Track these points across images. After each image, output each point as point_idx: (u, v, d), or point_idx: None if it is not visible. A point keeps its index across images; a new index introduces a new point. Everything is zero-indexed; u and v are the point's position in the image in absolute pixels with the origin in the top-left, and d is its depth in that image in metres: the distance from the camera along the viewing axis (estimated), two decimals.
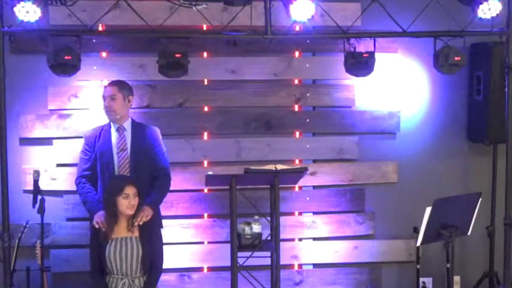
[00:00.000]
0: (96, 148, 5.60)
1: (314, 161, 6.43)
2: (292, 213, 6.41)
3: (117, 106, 5.60)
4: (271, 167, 5.65)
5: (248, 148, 6.33)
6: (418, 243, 5.68)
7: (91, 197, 5.55)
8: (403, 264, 6.53)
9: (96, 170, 5.60)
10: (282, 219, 5.98)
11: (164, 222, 5.78)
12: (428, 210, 5.47)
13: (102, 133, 5.64)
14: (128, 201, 5.22)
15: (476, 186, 6.38)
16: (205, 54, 6.27)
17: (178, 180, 6.09)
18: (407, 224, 6.35)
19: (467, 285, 6.53)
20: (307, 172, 5.94)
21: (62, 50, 5.45)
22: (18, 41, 5.59)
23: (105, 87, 5.71)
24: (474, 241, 6.44)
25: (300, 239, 6.44)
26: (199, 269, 6.34)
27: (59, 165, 6.15)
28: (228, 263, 5.67)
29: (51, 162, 6.14)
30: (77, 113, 6.15)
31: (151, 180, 5.60)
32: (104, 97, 5.64)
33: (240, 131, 6.34)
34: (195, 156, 6.29)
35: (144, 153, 5.61)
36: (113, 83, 5.70)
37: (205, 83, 6.31)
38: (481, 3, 5.63)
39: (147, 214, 5.34)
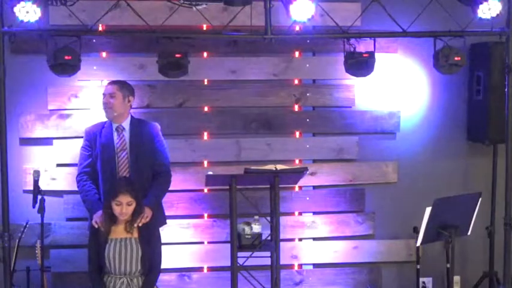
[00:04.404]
0: (98, 145, 5.60)
1: (314, 161, 6.43)
2: (292, 213, 6.41)
3: (116, 104, 5.60)
4: (271, 167, 5.65)
5: (248, 148, 6.33)
6: (418, 243, 5.68)
7: (91, 196, 5.54)
8: (403, 264, 6.53)
9: (97, 166, 5.60)
10: (282, 219, 5.98)
11: None
12: (428, 210, 5.47)
13: (103, 130, 5.64)
14: (120, 208, 5.21)
15: (476, 186, 6.38)
16: (205, 54, 6.27)
17: (178, 180, 6.08)
18: (407, 224, 6.34)
19: (467, 285, 6.52)
20: (307, 172, 5.94)
21: (62, 50, 5.44)
22: (18, 41, 5.57)
23: (107, 85, 5.73)
24: (474, 241, 6.44)
25: (300, 239, 6.43)
26: (199, 269, 6.34)
27: (59, 165, 6.14)
28: (228, 263, 5.67)
29: (51, 162, 6.14)
30: (77, 113, 6.15)
31: (153, 176, 5.61)
32: (104, 94, 5.65)
33: (240, 131, 6.34)
34: (195, 156, 6.29)
35: (144, 150, 5.61)
36: (114, 82, 5.72)
37: (205, 83, 6.31)
38: (481, 3, 5.62)
39: (146, 215, 5.34)
